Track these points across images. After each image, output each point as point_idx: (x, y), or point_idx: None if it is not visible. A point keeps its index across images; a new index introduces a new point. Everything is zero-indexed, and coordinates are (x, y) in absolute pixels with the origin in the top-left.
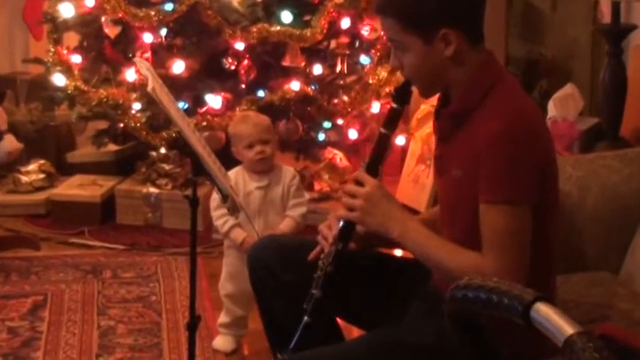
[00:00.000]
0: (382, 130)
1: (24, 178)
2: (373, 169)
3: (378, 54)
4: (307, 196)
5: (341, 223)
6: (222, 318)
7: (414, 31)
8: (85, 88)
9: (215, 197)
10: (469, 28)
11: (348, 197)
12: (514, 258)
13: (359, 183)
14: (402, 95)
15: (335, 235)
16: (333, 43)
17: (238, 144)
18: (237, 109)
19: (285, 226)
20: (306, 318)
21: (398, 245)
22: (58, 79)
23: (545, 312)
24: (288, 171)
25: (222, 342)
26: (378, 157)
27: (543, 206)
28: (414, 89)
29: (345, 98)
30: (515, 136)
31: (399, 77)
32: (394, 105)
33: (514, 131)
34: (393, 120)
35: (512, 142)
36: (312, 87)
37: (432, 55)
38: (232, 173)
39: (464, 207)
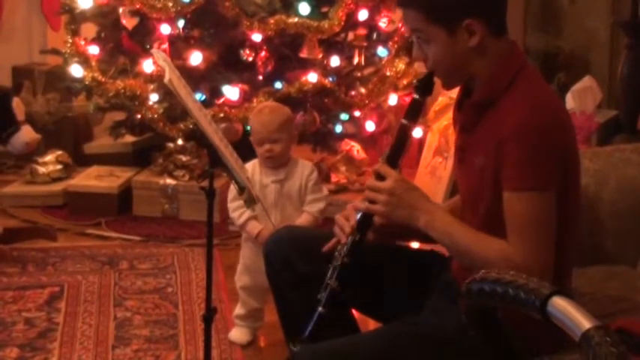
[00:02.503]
0: (404, 121)
1: (41, 169)
2: (394, 160)
3: (396, 46)
4: (326, 191)
5: (359, 214)
6: (238, 310)
7: (437, 22)
8: (103, 79)
9: (232, 189)
10: (493, 18)
11: (368, 191)
12: (541, 244)
13: (380, 176)
14: (424, 86)
15: (353, 226)
16: (350, 35)
17: (252, 136)
18: (255, 100)
19: (302, 221)
20: (320, 308)
21: (416, 237)
22: (76, 70)
23: (562, 306)
24: (306, 166)
25: (237, 334)
26: (399, 148)
27: (565, 195)
28: (435, 82)
29: (363, 90)
30: (540, 125)
31: (417, 69)
32: (416, 96)
33: (539, 121)
34: (415, 111)
35: (537, 131)
36: (330, 79)
37: (455, 46)
38: (249, 165)
39: (485, 196)
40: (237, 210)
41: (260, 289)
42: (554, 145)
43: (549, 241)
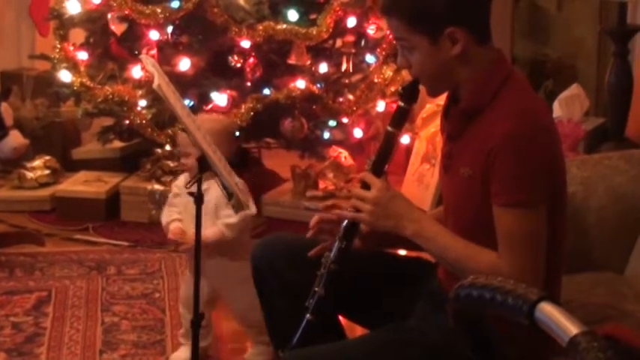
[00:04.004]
0: (389, 128)
1: (29, 174)
2: (379, 168)
3: (384, 53)
4: (252, 209)
5: (344, 222)
6: (183, 328)
7: (419, 31)
8: (91, 85)
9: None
10: (476, 26)
11: (354, 200)
12: (531, 259)
13: (365, 185)
14: (409, 94)
15: (340, 233)
16: (338, 42)
17: None
18: (243, 106)
19: (208, 233)
20: (308, 315)
21: (403, 245)
22: (64, 76)
23: (549, 312)
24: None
25: (181, 355)
26: (385, 155)
27: (553, 204)
28: (422, 88)
29: (351, 97)
30: (527, 136)
31: (405, 76)
32: (401, 103)
33: (526, 131)
34: (401, 118)
35: (524, 142)
36: (318, 85)
37: (438, 54)
38: (186, 174)
39: (469, 204)
40: (165, 214)
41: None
42: (542, 154)
43: (539, 255)
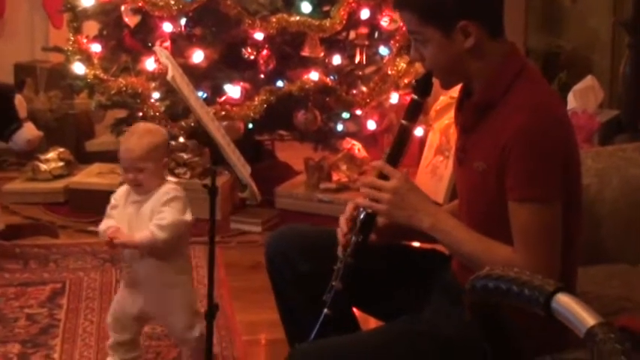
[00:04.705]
0: (403, 121)
1: (43, 166)
2: (394, 160)
3: (397, 45)
4: (188, 216)
5: (362, 215)
6: (110, 340)
7: (432, 24)
8: (105, 77)
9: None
10: (488, 20)
11: (371, 190)
12: (546, 254)
13: (383, 176)
14: (423, 87)
15: (350, 225)
16: (352, 34)
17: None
18: (256, 98)
19: (139, 235)
20: (326, 310)
21: (417, 239)
22: (78, 68)
23: (566, 303)
24: (165, 187)
25: None
26: (399, 148)
27: (567, 198)
28: (435, 81)
29: (364, 89)
30: (542, 129)
31: (418, 68)
32: (415, 97)
33: (541, 125)
34: (414, 111)
35: (539, 136)
36: (331, 77)
37: (451, 47)
38: (125, 186)
39: (483, 198)
40: (103, 225)
41: (126, 318)
42: (557, 148)
43: (555, 250)
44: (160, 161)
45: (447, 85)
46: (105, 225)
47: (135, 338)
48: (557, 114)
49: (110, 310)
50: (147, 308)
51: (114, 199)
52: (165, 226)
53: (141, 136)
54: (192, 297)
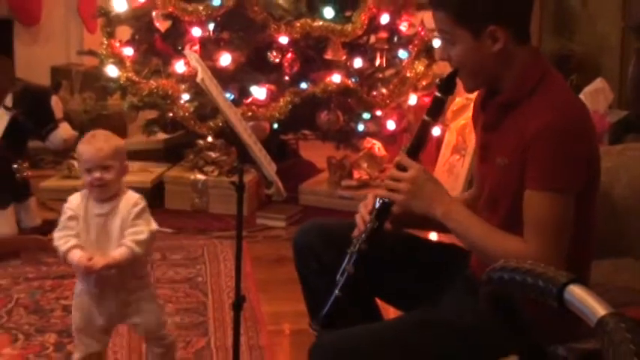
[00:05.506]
0: (426, 117)
1: (78, 165)
2: (414, 153)
3: (416, 49)
4: (154, 225)
5: (378, 202)
6: (74, 355)
7: (464, 25)
8: (137, 79)
9: (59, 220)
10: (517, 26)
11: (390, 180)
12: (555, 245)
13: (402, 167)
14: (447, 85)
15: (370, 212)
16: (372, 38)
17: (80, 165)
18: (281, 100)
19: (116, 252)
20: (336, 291)
21: (432, 229)
22: (111, 71)
23: (578, 294)
24: (131, 198)
25: None
26: (420, 142)
27: (587, 194)
28: (459, 83)
29: (384, 91)
30: (565, 128)
31: (435, 71)
32: (438, 94)
33: (564, 124)
34: (437, 108)
35: (562, 134)
36: (353, 80)
37: (479, 50)
38: (77, 195)
39: (506, 194)
40: (61, 239)
41: (93, 329)
42: (579, 146)
43: (564, 240)
44: (123, 163)
45: (471, 87)
46: (65, 243)
47: (102, 351)
48: (580, 113)
49: (74, 325)
50: (114, 316)
51: (70, 210)
52: (144, 240)
53: (107, 139)
54: (156, 297)
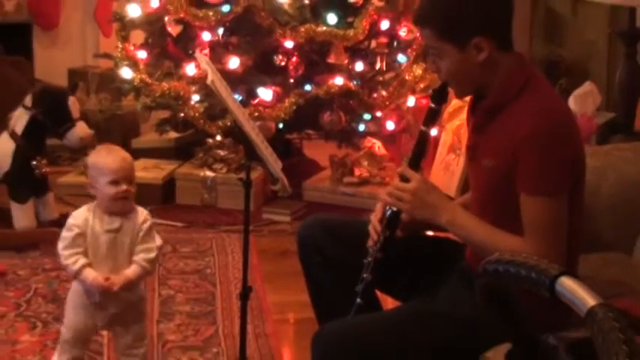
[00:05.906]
0: (422, 128)
1: None
2: (415, 163)
3: (414, 53)
4: (159, 240)
5: (388, 213)
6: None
7: (449, 40)
8: (150, 81)
9: (64, 236)
10: (499, 36)
11: (394, 191)
12: (554, 244)
13: (405, 179)
14: (439, 96)
15: (381, 221)
16: (373, 43)
17: (100, 178)
18: (287, 101)
19: (129, 272)
20: (358, 300)
21: (436, 230)
22: (126, 73)
23: (569, 285)
24: (141, 214)
25: None
26: (420, 152)
27: (574, 193)
28: (450, 90)
29: (384, 93)
30: (552, 131)
31: (432, 75)
32: (432, 105)
33: (551, 127)
34: (432, 118)
35: (549, 137)
36: (354, 82)
37: (465, 61)
38: (82, 211)
39: (493, 193)
40: (70, 257)
41: (88, 334)
42: (565, 149)
43: (561, 238)
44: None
45: (460, 94)
46: (74, 261)
47: (83, 354)
48: (564, 117)
49: (69, 328)
50: (113, 322)
51: (77, 227)
52: (154, 258)
53: (122, 151)
54: (145, 309)
